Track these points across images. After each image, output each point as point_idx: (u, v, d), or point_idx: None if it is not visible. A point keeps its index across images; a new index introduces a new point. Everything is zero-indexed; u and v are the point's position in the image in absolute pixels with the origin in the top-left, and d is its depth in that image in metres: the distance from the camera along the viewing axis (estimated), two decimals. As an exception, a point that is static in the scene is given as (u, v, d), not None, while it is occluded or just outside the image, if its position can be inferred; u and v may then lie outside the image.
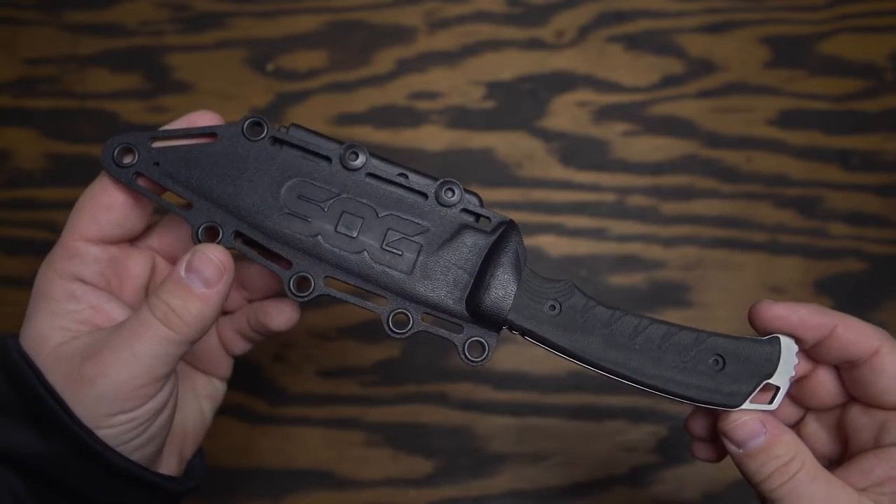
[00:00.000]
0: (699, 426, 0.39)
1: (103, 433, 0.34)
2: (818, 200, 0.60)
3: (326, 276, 0.36)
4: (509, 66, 0.62)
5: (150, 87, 0.62)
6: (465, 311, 0.36)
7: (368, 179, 0.36)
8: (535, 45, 0.63)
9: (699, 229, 0.60)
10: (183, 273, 0.34)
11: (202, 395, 0.42)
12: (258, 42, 0.63)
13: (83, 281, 0.36)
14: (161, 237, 0.39)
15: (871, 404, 0.36)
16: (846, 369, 0.36)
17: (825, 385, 0.37)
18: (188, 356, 0.41)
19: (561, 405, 0.58)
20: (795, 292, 0.59)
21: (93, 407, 0.34)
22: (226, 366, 0.43)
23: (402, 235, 0.36)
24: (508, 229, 0.36)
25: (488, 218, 0.37)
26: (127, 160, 0.35)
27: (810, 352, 0.36)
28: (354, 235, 0.36)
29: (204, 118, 0.37)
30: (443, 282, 0.36)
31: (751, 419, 0.34)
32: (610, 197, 0.61)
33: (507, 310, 0.35)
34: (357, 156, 0.36)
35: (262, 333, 0.41)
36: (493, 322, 0.36)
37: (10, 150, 0.61)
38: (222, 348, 0.42)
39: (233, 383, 0.57)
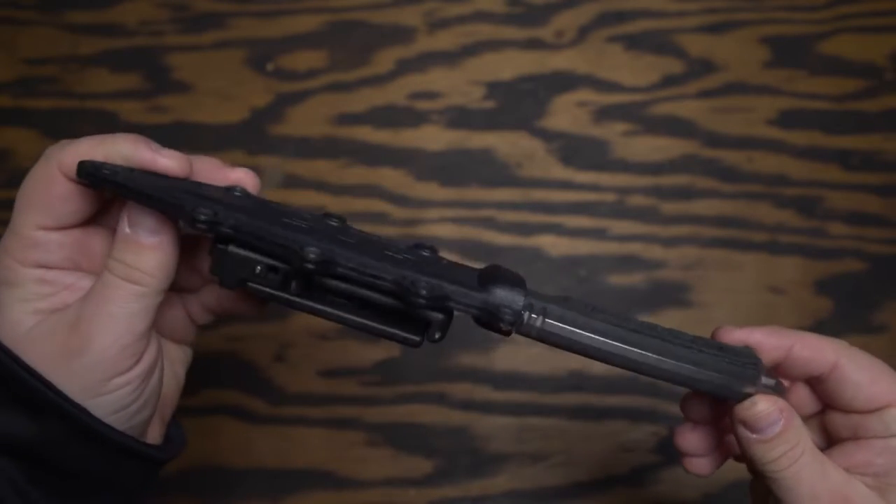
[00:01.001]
0: (691, 440, 0.39)
1: (103, 400, 0.34)
2: (818, 200, 0.60)
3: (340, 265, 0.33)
4: (509, 66, 0.62)
5: (150, 87, 0.62)
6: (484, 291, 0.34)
7: (350, 229, 0.37)
8: (535, 45, 0.63)
9: (699, 229, 0.60)
10: (127, 229, 0.34)
11: (175, 361, 0.42)
12: (258, 42, 0.63)
13: (49, 267, 0.35)
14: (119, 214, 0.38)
15: (844, 410, 0.37)
16: (813, 384, 0.38)
17: (803, 399, 0.39)
18: (160, 330, 0.41)
19: (561, 405, 0.58)
20: (795, 292, 0.59)
21: (88, 376, 0.34)
22: (193, 334, 0.42)
23: (400, 256, 0.35)
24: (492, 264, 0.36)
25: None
26: (104, 170, 0.33)
27: (777, 371, 0.38)
28: (353, 243, 0.35)
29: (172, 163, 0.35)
30: (451, 278, 0.34)
31: (775, 408, 0.35)
32: (610, 197, 0.61)
33: (522, 296, 0.34)
34: (332, 216, 0.37)
35: (230, 316, 0.42)
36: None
37: (10, 150, 0.61)
38: (189, 320, 0.42)
39: (232, 383, 0.58)
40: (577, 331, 0.34)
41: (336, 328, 0.58)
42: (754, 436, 0.35)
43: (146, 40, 0.63)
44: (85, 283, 0.36)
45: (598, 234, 0.60)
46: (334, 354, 0.58)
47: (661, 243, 0.60)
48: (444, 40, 0.63)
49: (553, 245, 0.60)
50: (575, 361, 0.58)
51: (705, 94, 0.62)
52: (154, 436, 0.39)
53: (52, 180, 0.35)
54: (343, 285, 0.35)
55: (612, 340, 0.35)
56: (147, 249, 0.34)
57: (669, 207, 0.60)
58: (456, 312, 0.34)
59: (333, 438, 0.57)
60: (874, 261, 0.59)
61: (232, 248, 0.34)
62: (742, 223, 0.60)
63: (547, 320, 0.34)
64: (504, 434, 0.57)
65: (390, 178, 0.61)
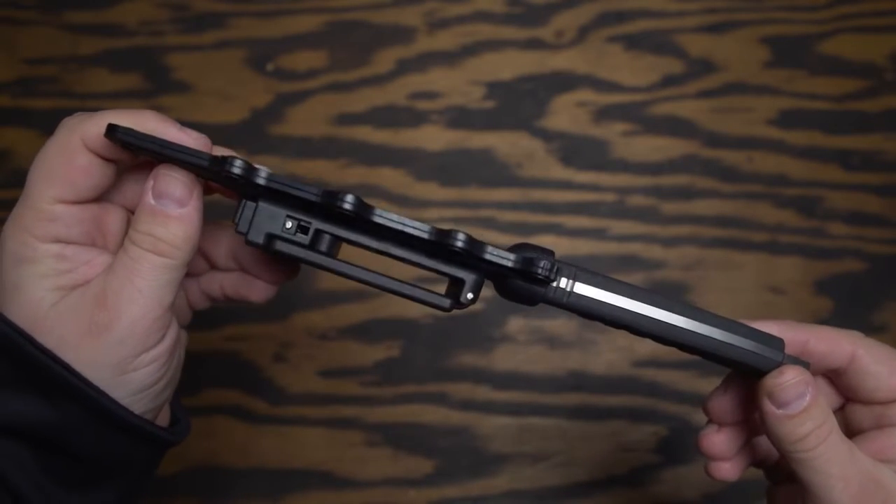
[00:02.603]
0: (717, 442, 0.39)
1: (131, 378, 0.34)
2: (818, 200, 0.60)
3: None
4: (509, 66, 0.62)
5: (150, 87, 0.62)
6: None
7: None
8: (535, 45, 0.63)
9: (699, 229, 0.60)
10: (153, 201, 0.34)
11: (178, 342, 0.42)
12: (258, 42, 0.63)
13: (67, 242, 0.34)
14: (130, 190, 0.37)
15: (866, 402, 0.37)
16: (832, 378, 0.37)
17: (824, 394, 0.38)
18: None
19: (561, 405, 0.58)
20: (795, 292, 0.59)
21: (116, 351, 0.33)
22: (189, 317, 0.43)
23: None
24: None
25: None
26: (137, 134, 0.33)
27: None
28: None
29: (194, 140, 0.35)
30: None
31: (802, 379, 0.34)
32: (610, 197, 0.61)
33: (553, 258, 0.34)
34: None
35: (237, 302, 0.41)
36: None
37: (10, 150, 0.61)
38: (187, 303, 0.42)
39: (232, 383, 0.58)
40: (610, 293, 0.34)
41: (336, 328, 0.58)
42: (780, 411, 0.34)
43: (146, 40, 0.63)
44: (102, 258, 0.35)
45: (598, 234, 0.60)
46: (334, 354, 0.58)
47: (661, 243, 0.60)
48: (444, 40, 0.63)
49: (553, 245, 0.59)
50: (575, 361, 0.58)
51: (705, 94, 0.62)
52: (163, 418, 0.39)
53: (74, 152, 0.34)
54: (374, 243, 0.35)
55: (645, 303, 0.34)
56: (174, 221, 0.34)
57: (669, 207, 0.60)
58: (489, 258, 0.33)
59: (333, 438, 0.57)
60: (874, 261, 0.59)
61: (262, 203, 0.34)
62: (742, 223, 0.60)
63: (578, 283, 0.34)
64: (504, 434, 0.57)
65: (390, 178, 0.61)
